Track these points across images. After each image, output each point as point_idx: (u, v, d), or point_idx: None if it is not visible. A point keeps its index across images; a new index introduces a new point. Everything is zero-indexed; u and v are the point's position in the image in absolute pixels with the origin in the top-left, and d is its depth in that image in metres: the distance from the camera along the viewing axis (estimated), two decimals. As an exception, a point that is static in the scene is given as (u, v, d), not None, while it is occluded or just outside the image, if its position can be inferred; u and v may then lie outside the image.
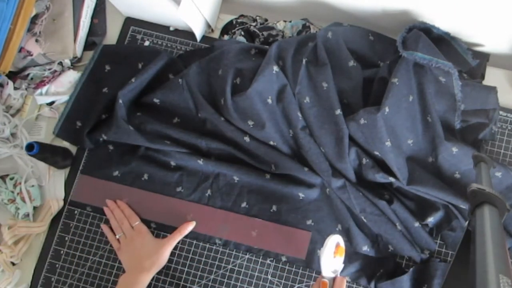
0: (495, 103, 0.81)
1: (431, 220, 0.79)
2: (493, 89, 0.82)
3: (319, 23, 0.91)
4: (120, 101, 0.83)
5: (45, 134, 0.90)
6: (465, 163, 0.78)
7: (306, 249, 0.81)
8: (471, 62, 0.84)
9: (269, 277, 0.82)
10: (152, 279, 0.82)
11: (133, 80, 0.84)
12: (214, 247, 0.83)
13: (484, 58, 0.85)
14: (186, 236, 0.82)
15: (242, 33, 0.91)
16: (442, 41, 0.83)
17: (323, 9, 0.88)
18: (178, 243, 0.82)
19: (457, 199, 0.75)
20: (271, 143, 0.82)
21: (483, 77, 0.85)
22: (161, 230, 0.84)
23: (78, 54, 0.92)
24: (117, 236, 0.81)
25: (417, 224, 0.79)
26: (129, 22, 0.95)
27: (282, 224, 0.83)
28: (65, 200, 0.86)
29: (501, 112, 0.84)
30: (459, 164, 0.78)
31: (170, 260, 0.82)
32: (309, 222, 0.82)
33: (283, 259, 0.82)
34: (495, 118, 0.81)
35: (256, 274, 0.82)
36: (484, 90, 0.82)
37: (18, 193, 0.84)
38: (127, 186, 0.85)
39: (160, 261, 0.78)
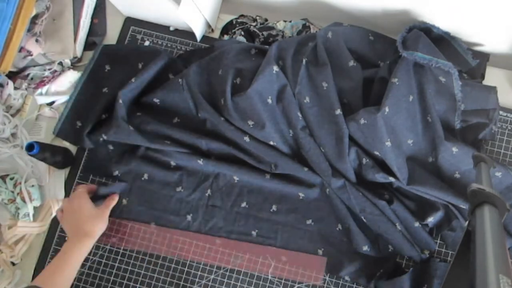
0: (495, 103, 0.81)
1: (431, 220, 0.79)
2: (493, 89, 0.82)
3: (319, 23, 0.91)
4: (120, 101, 0.83)
5: (45, 134, 0.90)
6: (465, 163, 0.78)
7: (322, 274, 0.81)
8: (471, 62, 0.84)
9: (269, 277, 0.82)
10: (152, 279, 0.82)
11: (133, 80, 0.84)
12: (214, 247, 0.83)
13: (484, 58, 0.85)
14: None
15: (242, 33, 0.91)
16: (442, 41, 0.83)
17: (323, 9, 0.88)
18: (180, 243, 0.82)
19: (457, 199, 0.75)
20: (271, 143, 0.82)
21: (483, 77, 0.85)
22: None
23: (78, 54, 0.92)
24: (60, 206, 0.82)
25: (417, 224, 0.79)
26: (129, 22, 0.95)
27: (293, 250, 0.82)
28: (65, 200, 0.86)
29: (501, 112, 0.84)
30: (459, 164, 0.78)
31: (170, 260, 0.82)
32: (309, 221, 0.82)
33: (284, 259, 0.82)
34: (495, 118, 0.81)
35: (256, 274, 0.82)
36: (484, 90, 0.82)
37: (18, 193, 0.84)
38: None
39: (100, 225, 0.78)
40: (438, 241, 0.81)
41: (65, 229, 0.79)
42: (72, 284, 0.82)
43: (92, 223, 0.76)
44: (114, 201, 0.82)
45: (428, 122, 0.80)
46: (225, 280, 0.81)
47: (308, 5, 0.89)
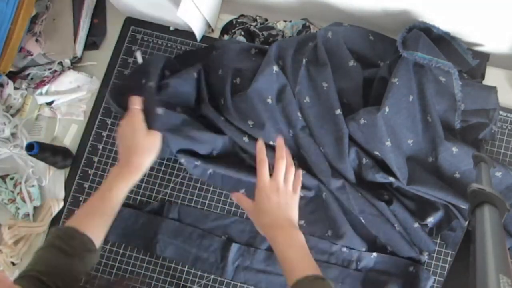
0: (495, 103, 0.81)
1: (431, 220, 0.79)
2: (493, 89, 0.82)
3: (319, 23, 0.91)
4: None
5: (45, 134, 0.90)
6: (465, 163, 0.77)
7: None
8: (471, 62, 0.84)
9: (269, 277, 0.82)
10: (152, 279, 0.82)
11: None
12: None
13: (484, 58, 0.85)
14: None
15: (242, 33, 0.91)
16: (442, 41, 0.83)
17: (323, 9, 0.88)
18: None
19: (457, 199, 0.75)
20: (271, 143, 0.82)
21: (483, 77, 0.85)
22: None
23: (78, 54, 0.92)
24: None
25: (416, 224, 0.79)
26: (129, 22, 0.95)
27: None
28: (65, 200, 0.86)
29: (501, 112, 0.84)
30: (459, 164, 0.78)
31: (170, 260, 0.82)
32: (301, 222, 0.81)
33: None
34: (495, 118, 0.81)
35: (256, 274, 0.82)
36: (484, 90, 0.82)
37: (18, 193, 0.84)
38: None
39: (151, 158, 0.69)
40: (438, 241, 0.81)
41: (118, 150, 0.72)
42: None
43: (142, 156, 0.68)
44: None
45: (428, 122, 0.80)
46: (225, 280, 0.81)
47: (308, 5, 0.89)
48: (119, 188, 0.67)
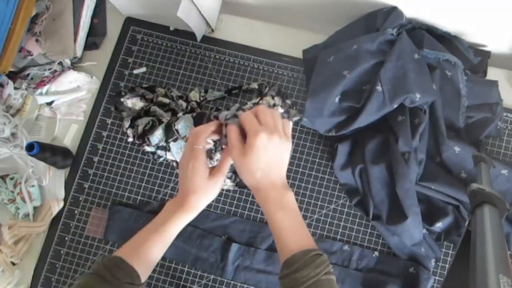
0: (497, 97, 0.81)
1: (439, 225, 0.77)
2: (494, 83, 0.82)
3: (319, 23, 0.91)
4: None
5: (45, 134, 0.90)
6: (469, 162, 0.76)
7: None
8: (472, 60, 0.84)
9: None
10: (152, 279, 0.82)
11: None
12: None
13: (485, 55, 0.85)
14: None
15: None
16: (443, 40, 0.83)
17: (322, 9, 0.88)
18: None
19: (466, 196, 0.74)
20: None
21: (485, 73, 0.86)
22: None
23: (78, 54, 0.92)
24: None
25: (424, 230, 0.77)
26: (129, 22, 0.95)
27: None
28: (65, 200, 0.86)
29: (501, 112, 0.84)
30: (464, 164, 0.77)
31: (170, 260, 0.82)
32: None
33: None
34: (498, 112, 0.80)
35: (256, 274, 0.82)
36: (486, 84, 0.82)
37: (18, 193, 0.84)
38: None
39: (209, 199, 0.64)
40: (440, 243, 0.81)
41: (179, 184, 0.65)
42: (72, 284, 0.82)
43: (200, 199, 0.63)
44: (228, 160, 0.64)
45: (432, 121, 0.79)
46: (225, 280, 0.81)
47: (307, 5, 0.89)
48: (173, 224, 0.63)
